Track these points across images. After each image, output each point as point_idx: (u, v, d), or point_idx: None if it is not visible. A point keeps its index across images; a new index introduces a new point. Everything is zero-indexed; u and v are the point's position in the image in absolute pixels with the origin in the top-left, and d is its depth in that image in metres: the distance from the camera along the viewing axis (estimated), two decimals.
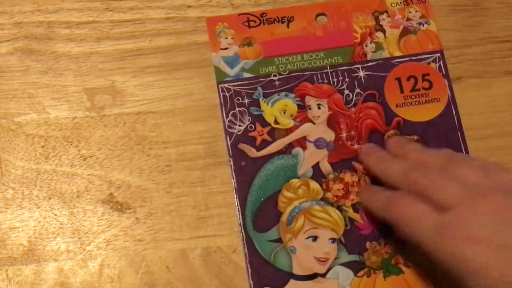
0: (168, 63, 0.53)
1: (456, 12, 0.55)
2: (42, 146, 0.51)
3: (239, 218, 0.49)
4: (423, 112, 0.52)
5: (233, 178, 0.50)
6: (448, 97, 0.52)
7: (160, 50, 0.53)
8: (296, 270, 0.48)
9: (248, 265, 0.48)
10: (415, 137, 0.51)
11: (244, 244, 0.49)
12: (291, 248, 0.49)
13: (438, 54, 0.53)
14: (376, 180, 0.49)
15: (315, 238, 0.49)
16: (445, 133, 0.51)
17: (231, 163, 0.50)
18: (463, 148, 0.51)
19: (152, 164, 0.50)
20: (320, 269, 0.48)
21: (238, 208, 0.49)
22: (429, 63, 0.53)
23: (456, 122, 0.52)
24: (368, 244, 0.49)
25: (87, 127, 0.51)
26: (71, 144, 0.51)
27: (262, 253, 0.48)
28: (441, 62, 0.53)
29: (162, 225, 0.49)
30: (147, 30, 0.54)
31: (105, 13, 0.54)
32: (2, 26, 0.53)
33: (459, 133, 0.51)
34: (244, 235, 0.49)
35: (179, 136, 0.51)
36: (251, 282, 0.48)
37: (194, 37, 0.54)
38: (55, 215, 0.49)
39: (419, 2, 0.54)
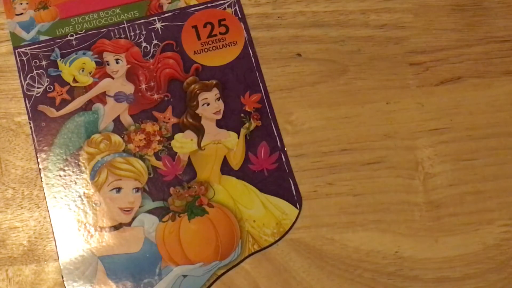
0: None
1: (456, 12, 0.55)
2: None
3: (42, 181, 0.50)
4: (220, 56, 0.53)
5: (34, 140, 0.51)
6: (245, 39, 0.53)
7: None
8: (101, 223, 0.49)
9: (53, 227, 0.49)
10: (214, 82, 0.52)
11: (47, 206, 0.49)
12: (95, 202, 0.49)
13: None
14: None
15: (119, 189, 0.50)
16: (243, 74, 0.52)
17: (31, 125, 0.51)
18: (261, 87, 0.52)
19: None
20: (125, 218, 0.50)
21: (40, 170, 0.50)
22: (224, 9, 0.53)
23: (254, 63, 0.52)
24: (172, 189, 0.50)
25: None
26: None
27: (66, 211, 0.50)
28: (237, 6, 0.53)
29: None
30: None
31: None
32: (2, 26, 0.53)
33: (257, 73, 0.52)
34: (47, 196, 0.50)
35: None
36: (57, 244, 0.49)
37: None
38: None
39: None
